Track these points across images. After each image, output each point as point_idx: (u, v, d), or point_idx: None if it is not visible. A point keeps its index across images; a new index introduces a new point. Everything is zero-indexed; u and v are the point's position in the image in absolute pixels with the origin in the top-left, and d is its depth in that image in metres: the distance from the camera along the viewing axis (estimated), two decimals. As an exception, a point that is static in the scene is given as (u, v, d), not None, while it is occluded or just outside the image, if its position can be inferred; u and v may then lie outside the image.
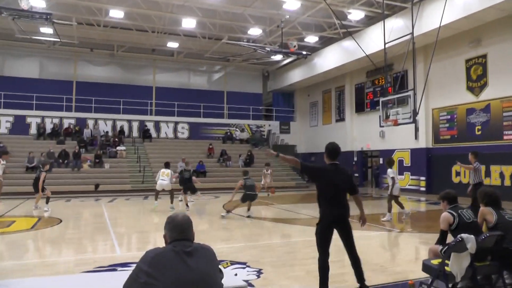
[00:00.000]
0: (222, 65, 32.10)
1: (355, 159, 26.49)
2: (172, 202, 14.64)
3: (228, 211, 12.68)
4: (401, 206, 12.04)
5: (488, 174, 17.93)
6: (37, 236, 10.07)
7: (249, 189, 12.56)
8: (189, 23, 22.89)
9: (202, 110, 30.04)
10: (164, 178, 14.48)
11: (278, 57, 26.92)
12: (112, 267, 6.66)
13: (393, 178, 11.80)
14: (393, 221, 11.70)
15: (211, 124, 30.02)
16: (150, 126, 28.27)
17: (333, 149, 5.19)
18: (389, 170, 11.96)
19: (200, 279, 2.58)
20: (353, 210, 5.21)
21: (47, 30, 23.30)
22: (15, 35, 24.18)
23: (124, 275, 2.71)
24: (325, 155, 5.22)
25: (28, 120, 25.91)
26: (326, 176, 5.08)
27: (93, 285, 3.20)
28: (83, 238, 9.68)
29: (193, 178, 15.95)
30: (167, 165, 15.02)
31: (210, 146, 27.36)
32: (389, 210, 11.73)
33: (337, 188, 5.05)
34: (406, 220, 11.90)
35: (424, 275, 5.26)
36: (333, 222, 5.03)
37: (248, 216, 12.63)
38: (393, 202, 11.96)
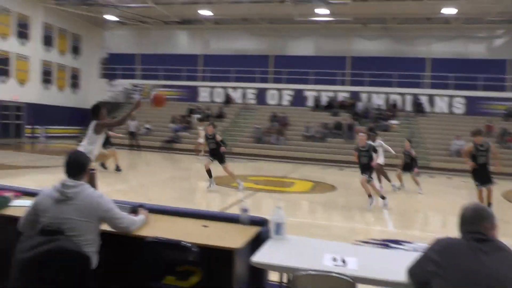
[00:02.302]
0: (505, 29, 28.20)
1: None
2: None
3: None
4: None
5: None
6: (313, 199, 10.66)
7: None
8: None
9: (480, 82, 27.18)
10: None
11: None
12: (384, 242, 6.48)
13: None
14: None
15: (491, 98, 26.88)
16: (424, 99, 26.97)
17: None
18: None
19: (494, 282, 2.16)
20: None
21: (323, 11, 24.40)
22: (294, 18, 26.14)
23: (397, 254, 2.46)
24: None
25: (306, 93, 27.94)
26: None
27: (371, 259, 3.12)
28: (355, 208, 9.79)
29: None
30: None
31: (489, 124, 24.42)
32: None
33: None
34: None
35: None
36: None
37: None
38: None
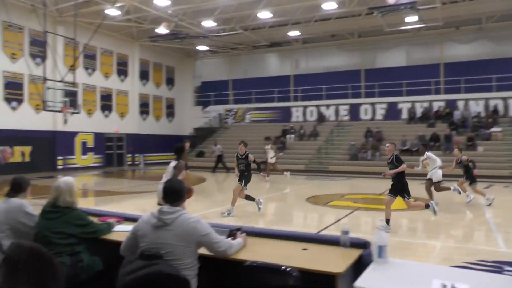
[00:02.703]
0: None
1: None
2: None
3: None
4: None
5: None
6: (413, 216, 10.48)
7: None
8: None
9: None
10: None
11: None
12: (497, 265, 6.27)
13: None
14: None
15: None
16: (529, 102, 25.00)
17: None
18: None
19: None
20: None
21: (411, 18, 23.91)
22: (383, 30, 25.80)
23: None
24: None
25: (399, 106, 27.40)
26: None
27: (486, 286, 2.86)
28: (459, 225, 9.51)
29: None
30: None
31: None
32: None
33: None
34: None
35: None
36: None
37: None
38: None
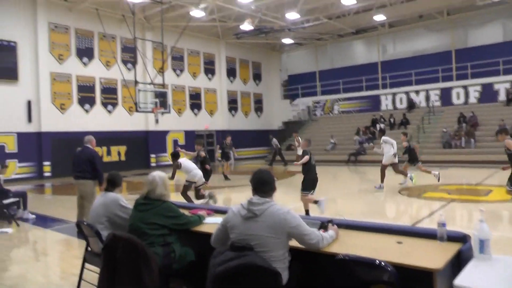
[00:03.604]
0: None
1: None
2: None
3: None
4: None
5: None
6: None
7: None
8: None
9: None
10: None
11: None
12: None
13: None
14: None
15: None
16: None
17: None
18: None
19: None
20: None
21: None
22: (476, 3, 24.12)
23: None
24: None
25: (496, 87, 25.44)
26: None
27: None
28: None
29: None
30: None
31: None
32: None
33: None
34: None
35: None
36: None
37: None
38: None
